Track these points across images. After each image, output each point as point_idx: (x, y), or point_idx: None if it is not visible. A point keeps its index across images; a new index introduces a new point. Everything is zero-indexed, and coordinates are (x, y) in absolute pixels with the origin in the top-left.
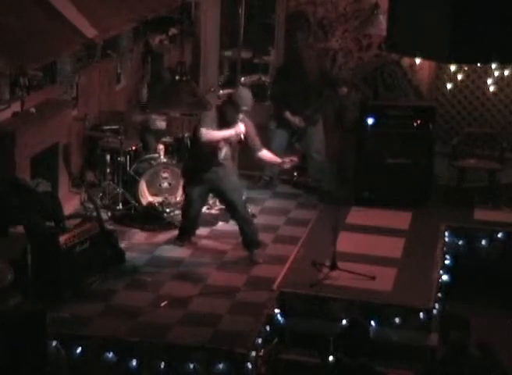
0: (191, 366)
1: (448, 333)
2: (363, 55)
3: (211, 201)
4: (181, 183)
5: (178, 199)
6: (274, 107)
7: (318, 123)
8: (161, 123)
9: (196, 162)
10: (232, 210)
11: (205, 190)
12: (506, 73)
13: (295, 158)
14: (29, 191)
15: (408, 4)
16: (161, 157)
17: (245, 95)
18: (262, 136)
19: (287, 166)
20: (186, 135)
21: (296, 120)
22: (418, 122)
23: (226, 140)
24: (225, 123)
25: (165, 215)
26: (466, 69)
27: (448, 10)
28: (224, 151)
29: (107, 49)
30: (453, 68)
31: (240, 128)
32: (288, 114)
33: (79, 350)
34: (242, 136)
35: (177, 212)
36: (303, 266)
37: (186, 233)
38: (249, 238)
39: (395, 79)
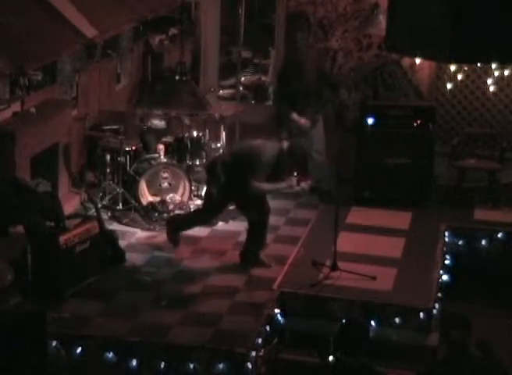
0: (191, 366)
1: (449, 332)
2: (363, 55)
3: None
4: (182, 183)
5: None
6: (279, 110)
7: (318, 123)
8: (160, 123)
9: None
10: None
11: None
12: (506, 73)
13: None
14: (29, 191)
15: (408, 4)
16: (161, 157)
17: (303, 144)
18: (262, 136)
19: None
20: (186, 135)
21: (302, 121)
22: (418, 122)
23: None
24: (280, 173)
25: (166, 215)
26: (466, 69)
27: (448, 10)
28: None
29: (107, 49)
30: (453, 68)
31: (293, 182)
32: (295, 115)
33: (79, 350)
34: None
35: (177, 212)
36: (303, 266)
37: (177, 233)
38: (263, 242)
39: (395, 79)
